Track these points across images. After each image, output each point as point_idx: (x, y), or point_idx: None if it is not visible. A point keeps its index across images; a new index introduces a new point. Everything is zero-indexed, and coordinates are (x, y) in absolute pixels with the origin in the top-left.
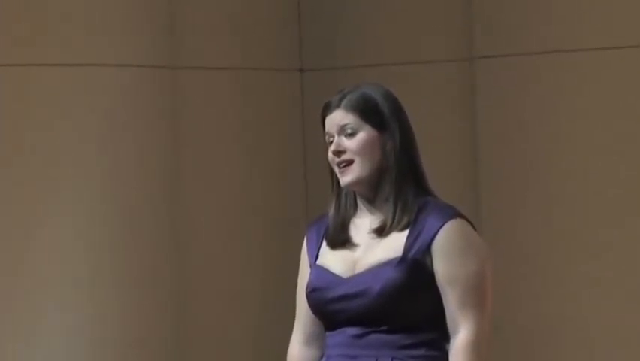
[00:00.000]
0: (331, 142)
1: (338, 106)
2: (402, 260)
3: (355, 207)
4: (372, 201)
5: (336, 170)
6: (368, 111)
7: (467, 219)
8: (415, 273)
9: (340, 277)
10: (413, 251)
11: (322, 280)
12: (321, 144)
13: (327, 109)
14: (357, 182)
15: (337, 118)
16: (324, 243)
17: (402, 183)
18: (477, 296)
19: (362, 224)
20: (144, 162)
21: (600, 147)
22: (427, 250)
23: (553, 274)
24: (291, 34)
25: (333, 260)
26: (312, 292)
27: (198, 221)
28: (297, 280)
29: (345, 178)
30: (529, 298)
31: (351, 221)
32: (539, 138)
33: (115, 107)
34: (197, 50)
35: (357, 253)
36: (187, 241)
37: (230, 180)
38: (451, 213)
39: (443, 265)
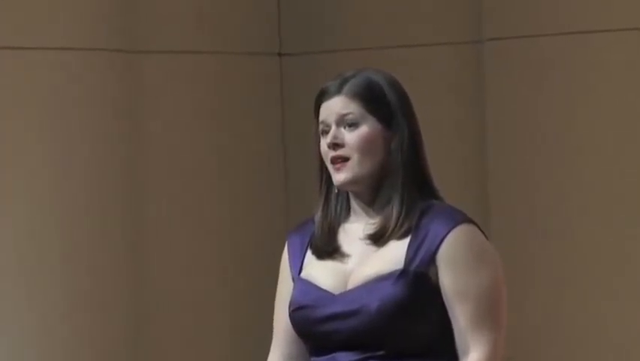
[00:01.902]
0: (326, 133)
1: (338, 92)
2: (403, 273)
3: (348, 210)
4: (369, 204)
5: (330, 166)
6: (373, 101)
7: (477, 225)
8: (418, 288)
9: (330, 293)
10: (416, 262)
11: (309, 296)
12: (302, 135)
13: (324, 95)
14: (353, 181)
15: (337, 106)
16: (310, 252)
17: (407, 186)
18: (490, 313)
19: (355, 230)
20: (98, 157)
21: (615, 133)
22: (432, 260)
23: (567, 274)
24: (268, 15)
25: (322, 273)
26: (296, 311)
27: (160, 222)
28: (275, 291)
29: (340, 176)
30: (542, 301)
31: (342, 227)
32: (551, 126)
33: (63, 93)
34: (157, 33)
35: (349, 265)
36: (146, 245)
37: (198, 177)
38: (459, 218)
39: (451, 277)
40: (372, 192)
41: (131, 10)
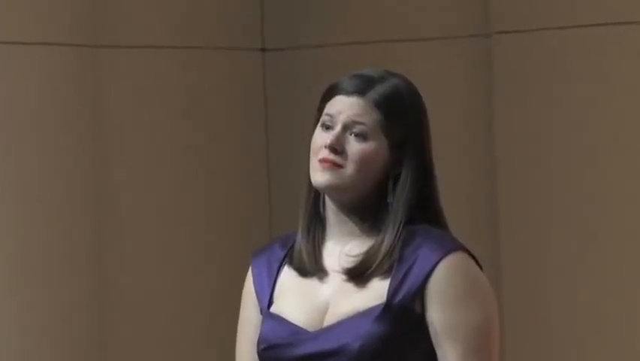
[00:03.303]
0: (327, 128)
1: (361, 94)
2: (385, 308)
3: (324, 222)
4: (350, 222)
5: (314, 162)
6: (393, 119)
7: (469, 252)
8: (403, 324)
9: (305, 331)
10: (400, 295)
11: (280, 333)
12: (286, 134)
13: (341, 89)
14: (336, 187)
15: (353, 109)
16: (282, 280)
17: (404, 220)
18: (482, 352)
19: (332, 252)
20: (62, 155)
21: (629, 127)
22: (419, 293)
23: (580, 273)
24: (250, 8)
25: (294, 307)
26: (266, 351)
27: (130, 223)
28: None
29: (324, 177)
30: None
31: (324, 244)
32: (561, 121)
33: (26, 89)
34: (126, 27)
35: (326, 296)
36: (114, 257)
37: (172, 177)
38: (449, 245)
39: (440, 313)
40: (355, 205)
41: (98, 2)
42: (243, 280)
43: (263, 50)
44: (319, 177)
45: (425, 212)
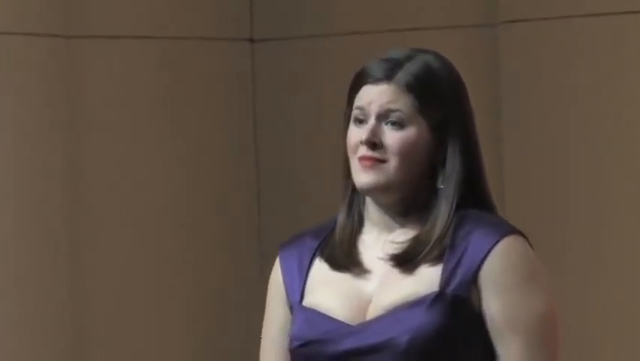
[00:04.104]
0: (361, 122)
1: (389, 78)
2: (438, 297)
3: (362, 217)
4: (394, 216)
5: (355, 162)
6: (429, 99)
7: (524, 236)
8: (457, 315)
9: (346, 325)
10: (453, 284)
11: (318, 328)
12: (275, 128)
13: (368, 76)
14: (383, 188)
15: (384, 97)
16: (313, 272)
17: (454, 204)
18: (545, 346)
19: (371, 245)
20: (34, 151)
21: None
22: (473, 281)
23: (591, 263)
24: None
25: (332, 298)
26: (302, 348)
27: (107, 223)
28: (261, 322)
29: (368, 177)
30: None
31: (360, 238)
32: (570, 113)
33: None
34: (104, 16)
35: (368, 288)
36: (89, 250)
37: (154, 173)
38: (504, 229)
39: (498, 302)
40: (401, 203)
41: None
42: (230, 289)
43: (251, 40)
44: (363, 178)
45: (473, 194)
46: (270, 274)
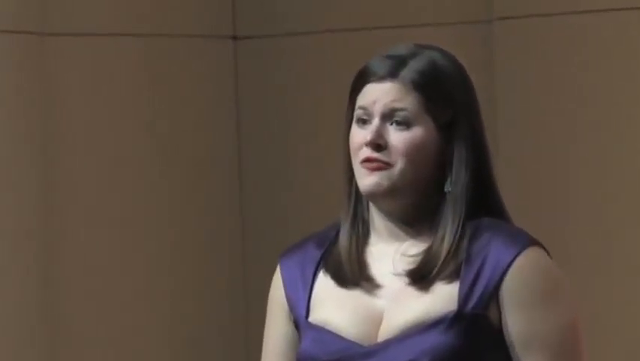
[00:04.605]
0: (364, 122)
1: (393, 76)
2: (457, 317)
3: (367, 227)
4: (401, 225)
5: (358, 165)
6: (436, 97)
7: (543, 247)
8: (477, 335)
9: (358, 345)
10: (473, 301)
11: (327, 348)
12: (259, 127)
13: (371, 74)
14: (388, 192)
15: (389, 95)
16: (319, 285)
17: (463, 216)
18: (570, 359)
19: (381, 257)
20: (5, 154)
21: (634, 116)
22: (493, 297)
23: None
24: None
25: (342, 316)
26: None
27: (82, 227)
28: (244, 325)
29: (372, 180)
30: None
31: (367, 250)
32: (565, 112)
33: None
34: (80, 12)
35: (379, 304)
36: (64, 254)
37: (135, 179)
38: (523, 240)
39: (519, 319)
40: (408, 209)
41: None
42: (212, 290)
43: (234, 37)
44: (367, 181)
45: (483, 199)
46: (252, 274)
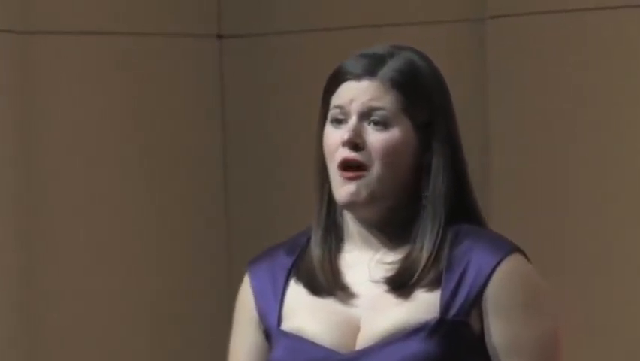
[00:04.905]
0: (340, 122)
1: (372, 74)
2: (439, 324)
3: (341, 233)
4: (377, 232)
5: (334, 170)
6: (415, 97)
7: (523, 252)
8: (459, 342)
9: (336, 352)
10: (454, 309)
11: (302, 355)
12: (244, 128)
13: (347, 73)
14: (367, 201)
15: (367, 93)
16: (291, 291)
17: (443, 221)
18: None
19: (356, 264)
20: None
21: (632, 116)
22: (476, 304)
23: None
24: None
25: (316, 323)
26: None
27: (64, 232)
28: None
29: (349, 189)
30: None
31: (340, 257)
32: (560, 113)
33: None
34: (60, 9)
35: (355, 312)
36: (44, 259)
37: (118, 182)
38: (505, 246)
39: (501, 326)
40: (384, 215)
41: None
42: (196, 292)
43: (219, 36)
44: (344, 190)
45: (460, 204)
46: (238, 275)
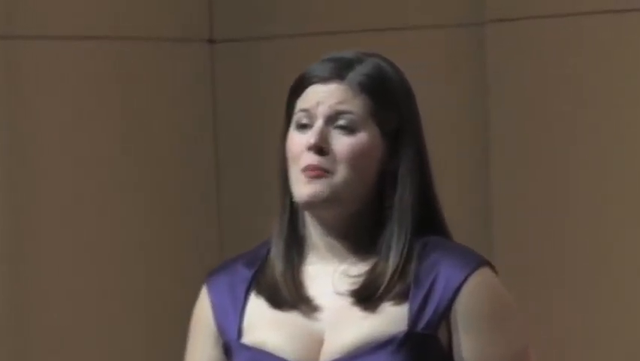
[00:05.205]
0: (305, 127)
1: (340, 77)
2: (407, 338)
3: (304, 244)
4: (342, 239)
5: (296, 173)
6: (383, 102)
7: (492, 265)
8: (427, 357)
9: None
10: (423, 322)
11: None
12: (237, 134)
13: (314, 77)
14: (329, 201)
15: (335, 96)
16: (252, 307)
17: (410, 230)
18: None
19: (320, 275)
20: None
21: (632, 119)
22: (444, 318)
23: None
24: None
25: (278, 336)
26: None
27: (51, 244)
28: None
29: (311, 188)
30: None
31: (303, 269)
32: (562, 119)
33: None
34: (48, 14)
35: (318, 325)
36: (31, 269)
37: (107, 189)
38: (474, 260)
39: (470, 341)
40: (348, 223)
41: None
42: (186, 290)
43: (211, 41)
44: (305, 190)
45: (427, 215)
46: None
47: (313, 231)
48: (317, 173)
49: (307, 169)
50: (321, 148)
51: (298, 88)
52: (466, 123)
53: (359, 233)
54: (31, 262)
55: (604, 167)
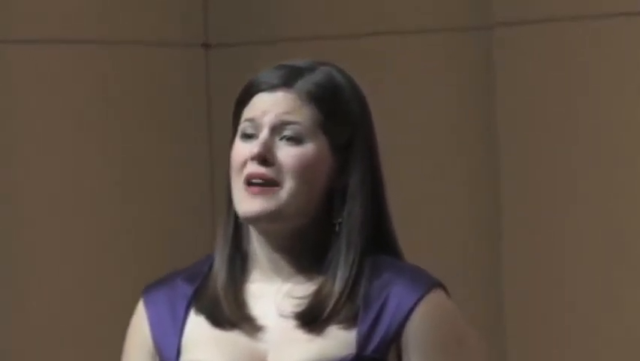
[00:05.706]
0: (249, 136)
1: (287, 85)
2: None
3: (248, 260)
4: (288, 257)
5: (239, 185)
6: (333, 113)
7: (444, 287)
8: None
9: None
10: (372, 345)
11: None
12: (233, 142)
13: (261, 84)
14: (273, 216)
15: (281, 105)
16: (192, 324)
17: (359, 243)
18: None
19: (264, 294)
20: None
21: (637, 123)
22: (394, 341)
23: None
24: None
25: (219, 356)
26: None
27: (43, 252)
28: None
29: (255, 204)
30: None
31: (246, 287)
32: (569, 123)
33: None
34: (36, 17)
35: (261, 346)
36: (18, 278)
37: (100, 196)
38: (426, 282)
39: None
40: (294, 240)
41: None
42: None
43: (206, 45)
44: (248, 205)
45: (378, 233)
46: None
47: (257, 246)
48: (259, 189)
49: (250, 177)
50: (265, 158)
51: (245, 96)
52: (472, 127)
53: (305, 249)
54: (24, 262)
55: (611, 170)
